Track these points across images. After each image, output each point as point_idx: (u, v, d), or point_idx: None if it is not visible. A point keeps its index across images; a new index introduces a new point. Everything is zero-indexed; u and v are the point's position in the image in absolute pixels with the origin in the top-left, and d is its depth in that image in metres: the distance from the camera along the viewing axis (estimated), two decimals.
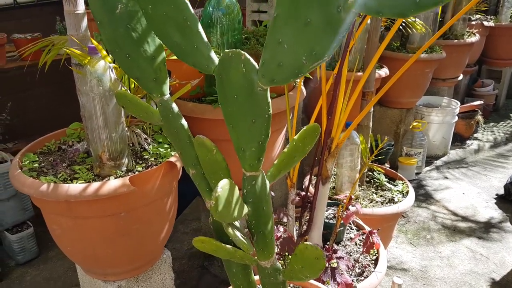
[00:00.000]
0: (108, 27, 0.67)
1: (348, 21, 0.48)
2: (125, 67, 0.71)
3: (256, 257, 0.78)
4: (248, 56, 0.60)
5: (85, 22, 1.14)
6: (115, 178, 1.13)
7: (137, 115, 0.84)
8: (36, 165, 1.21)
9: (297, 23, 0.52)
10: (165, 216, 1.28)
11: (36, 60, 1.59)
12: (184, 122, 0.77)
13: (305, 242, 0.65)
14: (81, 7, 1.12)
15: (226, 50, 0.61)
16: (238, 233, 0.68)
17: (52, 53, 1.29)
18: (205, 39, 0.64)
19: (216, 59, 0.65)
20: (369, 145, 1.94)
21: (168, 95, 0.76)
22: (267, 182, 0.73)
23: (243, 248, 0.69)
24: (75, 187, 1.05)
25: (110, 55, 1.12)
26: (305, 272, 0.71)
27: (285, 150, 0.73)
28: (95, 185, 1.06)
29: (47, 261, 2.03)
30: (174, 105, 0.76)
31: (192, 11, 0.64)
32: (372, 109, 1.86)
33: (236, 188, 0.63)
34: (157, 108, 0.77)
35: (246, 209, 0.69)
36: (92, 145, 1.16)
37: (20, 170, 1.14)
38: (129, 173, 1.17)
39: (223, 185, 0.58)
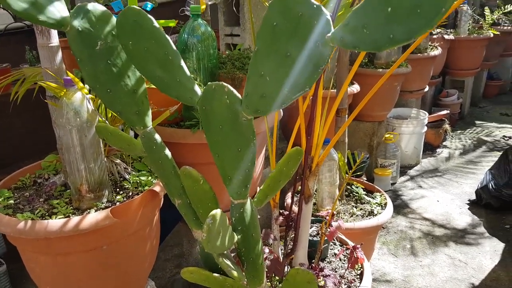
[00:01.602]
0: (88, 63, 0.67)
1: (326, 54, 0.51)
2: (107, 102, 0.71)
3: (247, 285, 0.78)
4: (231, 88, 0.61)
5: (59, 54, 1.13)
6: (96, 210, 1.11)
7: (119, 147, 0.84)
8: (11, 201, 1.17)
9: (277, 56, 0.54)
10: (148, 246, 1.26)
11: (6, 92, 1.55)
12: (168, 152, 0.77)
13: (296, 263, 0.66)
14: (55, 40, 1.11)
15: (209, 83, 0.62)
16: (229, 263, 0.68)
17: (24, 87, 1.27)
18: (187, 72, 0.65)
19: (199, 91, 0.66)
20: (346, 160, 1.98)
21: (150, 127, 0.76)
22: (254, 208, 0.73)
23: (236, 279, 0.69)
24: (55, 223, 1.02)
25: (88, 89, 1.11)
26: None
27: (271, 174, 0.74)
28: (75, 219, 1.03)
29: None
30: (157, 136, 0.76)
31: (173, 46, 0.65)
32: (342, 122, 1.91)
33: (226, 217, 0.64)
34: (140, 140, 0.77)
35: (235, 238, 0.69)
36: (70, 178, 1.13)
37: None
38: (110, 204, 1.14)
39: (213, 216, 0.58)
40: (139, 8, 0.64)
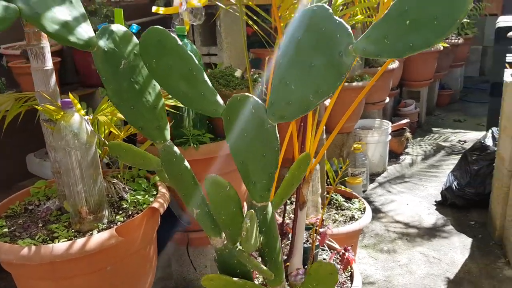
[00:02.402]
0: (113, 81, 0.70)
1: (349, 63, 0.58)
2: (130, 118, 0.74)
3: (268, 285, 0.82)
4: (256, 98, 0.67)
5: (53, 78, 1.13)
6: (98, 231, 1.11)
7: (133, 164, 0.86)
8: (6, 229, 1.14)
9: (302, 67, 0.61)
10: (149, 264, 1.26)
11: None
12: (187, 164, 0.81)
13: (319, 260, 0.71)
14: (49, 63, 1.12)
15: (234, 95, 0.67)
16: (259, 262, 0.72)
17: (11, 113, 1.25)
18: (211, 85, 0.70)
19: (222, 102, 0.71)
20: (325, 170, 2.07)
21: (169, 141, 0.79)
22: (273, 210, 0.78)
23: (267, 275, 0.73)
24: (60, 246, 1.01)
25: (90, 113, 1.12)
26: None
27: (285, 178, 0.79)
28: (80, 241, 1.03)
29: None
30: (176, 149, 0.80)
31: (197, 62, 0.69)
32: (324, 136, 2.01)
33: (256, 219, 0.68)
34: (159, 154, 0.80)
35: (260, 238, 0.74)
36: (70, 201, 1.13)
37: None
38: (112, 225, 1.14)
39: (251, 214, 0.62)
40: (162, 28, 0.69)
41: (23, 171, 2.19)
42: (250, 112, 0.66)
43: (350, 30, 0.57)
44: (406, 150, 3.78)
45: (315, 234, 1.55)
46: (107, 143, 1.13)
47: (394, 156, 3.63)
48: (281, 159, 1.45)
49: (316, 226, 1.56)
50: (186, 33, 1.43)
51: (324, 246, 1.74)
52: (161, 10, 1.40)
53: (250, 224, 0.63)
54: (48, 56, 1.11)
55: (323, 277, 0.74)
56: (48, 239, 1.09)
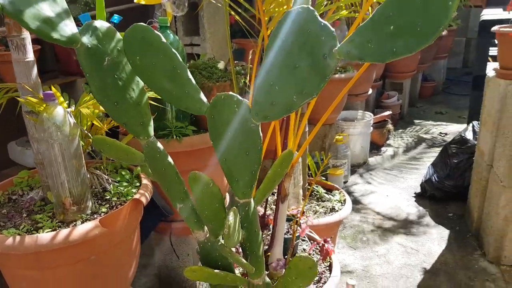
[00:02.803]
0: (97, 78, 0.71)
1: (333, 66, 0.59)
2: (114, 115, 0.74)
3: (247, 277, 0.85)
4: (239, 97, 0.68)
5: (35, 69, 1.12)
6: (82, 222, 1.12)
7: (117, 158, 0.87)
8: None
9: (287, 68, 0.62)
10: (132, 254, 1.28)
11: None
12: (170, 159, 0.82)
13: (298, 255, 0.74)
14: (30, 55, 1.10)
15: (218, 93, 0.68)
16: (240, 257, 0.74)
17: None
18: (194, 84, 0.71)
19: (205, 100, 0.72)
20: (307, 162, 2.10)
21: (153, 136, 0.80)
22: (255, 206, 0.80)
23: (248, 269, 0.75)
24: (45, 236, 1.01)
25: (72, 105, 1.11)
26: (298, 282, 0.80)
27: (267, 175, 0.81)
28: (65, 231, 1.03)
29: None
30: (159, 145, 0.81)
31: (181, 60, 0.70)
32: (307, 128, 2.04)
33: (239, 215, 0.70)
34: (143, 149, 0.81)
35: (242, 233, 0.76)
36: (53, 192, 1.13)
37: None
38: (95, 216, 1.15)
39: (232, 214, 0.65)
40: (146, 24, 0.69)
41: (4, 159, 2.16)
42: (234, 112, 0.68)
43: (334, 33, 0.58)
44: (388, 142, 3.85)
45: (295, 225, 1.58)
46: (89, 135, 1.13)
47: (375, 147, 3.70)
48: (263, 151, 1.47)
49: (297, 218, 1.60)
50: (168, 24, 1.42)
51: (304, 237, 1.78)
52: (143, 1, 1.39)
53: (233, 221, 0.65)
54: (29, 47, 1.10)
55: (303, 271, 0.77)
56: (32, 229, 1.09)
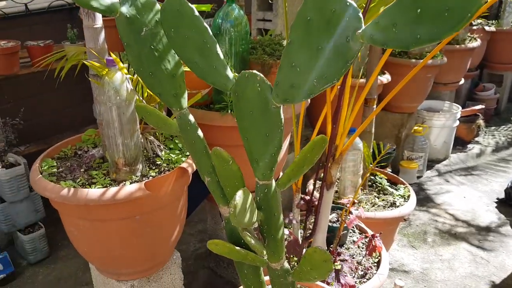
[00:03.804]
0: (134, 48, 0.73)
1: (356, 49, 0.54)
2: (149, 84, 0.77)
3: (267, 259, 0.84)
4: (263, 77, 0.65)
5: (102, 35, 1.20)
6: (131, 183, 1.19)
7: (156, 126, 0.90)
8: (55, 170, 1.27)
9: (309, 49, 0.58)
10: (176, 219, 1.34)
11: (47, 68, 1.66)
12: (200, 133, 0.83)
13: (314, 246, 0.71)
14: (99, 22, 1.18)
15: (243, 71, 0.66)
16: (252, 238, 0.74)
17: (68, 64, 1.36)
18: (223, 59, 0.70)
19: (232, 77, 0.71)
20: (371, 151, 2.00)
21: (186, 108, 0.82)
22: (278, 190, 0.78)
23: (257, 252, 0.75)
24: (94, 192, 1.11)
25: (134, 73, 1.17)
26: (313, 274, 0.77)
27: (295, 159, 0.78)
28: (112, 190, 1.12)
29: (57, 261, 2.09)
30: (191, 118, 0.82)
31: (211, 34, 0.69)
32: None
33: (251, 196, 0.69)
34: (176, 120, 0.83)
35: (259, 215, 0.75)
36: (108, 152, 1.22)
37: (40, 175, 1.20)
38: (144, 178, 1.23)
39: (241, 193, 0.63)
40: None
41: (90, 117, 2.39)
42: (256, 91, 0.66)
43: (360, 14, 0.53)
44: (476, 139, 3.49)
45: (345, 215, 1.52)
46: (144, 102, 1.18)
47: (460, 143, 3.38)
48: (315, 133, 1.42)
49: (347, 207, 1.54)
50: None
51: (355, 229, 1.71)
52: None
53: (240, 201, 0.64)
54: (99, 15, 1.17)
55: (317, 263, 0.74)
56: (87, 183, 1.20)
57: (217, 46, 0.70)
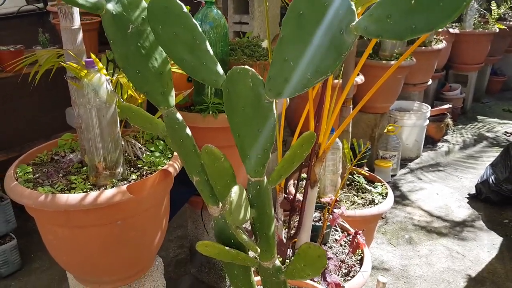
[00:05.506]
0: (120, 45, 0.71)
1: (350, 42, 0.55)
2: (136, 83, 0.75)
3: (258, 259, 0.84)
4: (255, 72, 0.65)
5: (80, 37, 1.16)
6: (112, 187, 1.16)
7: (141, 127, 0.88)
8: (31, 176, 1.22)
9: (302, 43, 0.58)
10: (159, 223, 1.31)
11: (19, 72, 1.60)
12: (188, 131, 0.81)
13: (308, 242, 0.71)
14: (77, 23, 1.14)
15: (234, 67, 0.66)
16: (245, 236, 0.73)
17: (42, 68, 1.31)
18: (213, 55, 0.70)
19: (222, 73, 0.70)
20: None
21: (173, 107, 0.80)
22: (269, 186, 0.78)
23: (251, 249, 0.74)
24: (74, 197, 1.07)
25: (113, 74, 1.15)
26: (307, 271, 0.77)
27: (285, 156, 0.78)
28: (93, 194, 1.08)
29: (30, 273, 2.01)
30: (179, 116, 0.81)
31: (201, 31, 0.69)
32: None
33: (245, 193, 0.69)
34: (163, 119, 0.81)
35: (252, 213, 0.74)
36: (88, 155, 1.18)
37: (16, 182, 1.15)
38: (125, 182, 1.19)
39: (236, 189, 0.63)
40: None
41: (63, 123, 2.31)
42: (248, 86, 0.65)
43: (353, 6, 0.54)
44: (445, 137, 3.62)
45: (327, 214, 1.54)
46: (124, 103, 1.15)
47: (430, 142, 3.49)
48: (297, 134, 1.43)
49: (329, 206, 1.55)
50: (214, 0, 1.41)
51: (337, 227, 1.73)
52: None
53: (236, 198, 0.63)
54: (76, 15, 1.14)
55: (311, 259, 0.74)
56: (66, 189, 1.15)
57: (207, 43, 0.69)
